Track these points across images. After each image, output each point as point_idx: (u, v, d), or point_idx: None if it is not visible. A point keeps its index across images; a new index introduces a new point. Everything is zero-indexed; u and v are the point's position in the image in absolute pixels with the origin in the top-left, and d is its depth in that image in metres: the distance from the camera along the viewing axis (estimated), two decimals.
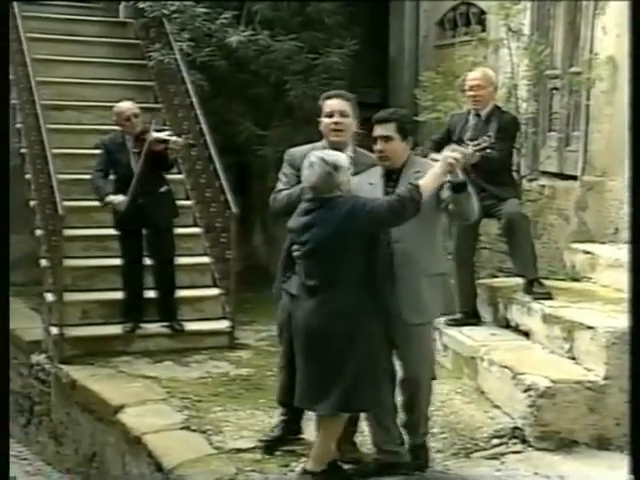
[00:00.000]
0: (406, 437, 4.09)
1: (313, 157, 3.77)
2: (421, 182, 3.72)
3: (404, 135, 3.92)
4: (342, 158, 3.79)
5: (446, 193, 3.80)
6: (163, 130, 6.22)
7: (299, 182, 4.06)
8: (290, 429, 4.45)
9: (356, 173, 3.96)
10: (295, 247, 3.86)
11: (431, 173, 3.75)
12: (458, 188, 3.76)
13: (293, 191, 4.12)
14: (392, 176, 3.94)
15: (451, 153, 3.77)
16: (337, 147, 4.02)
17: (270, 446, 4.39)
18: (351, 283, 3.73)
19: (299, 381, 3.87)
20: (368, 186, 3.93)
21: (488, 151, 5.16)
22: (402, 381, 4.01)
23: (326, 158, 3.75)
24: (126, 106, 6.11)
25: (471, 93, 5.53)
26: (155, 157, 5.97)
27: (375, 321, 3.78)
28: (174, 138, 6.00)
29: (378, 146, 3.92)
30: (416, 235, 3.82)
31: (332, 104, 4.15)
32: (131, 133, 6.07)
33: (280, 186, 4.23)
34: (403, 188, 3.75)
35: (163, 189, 6.16)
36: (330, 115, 4.13)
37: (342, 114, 4.12)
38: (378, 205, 3.71)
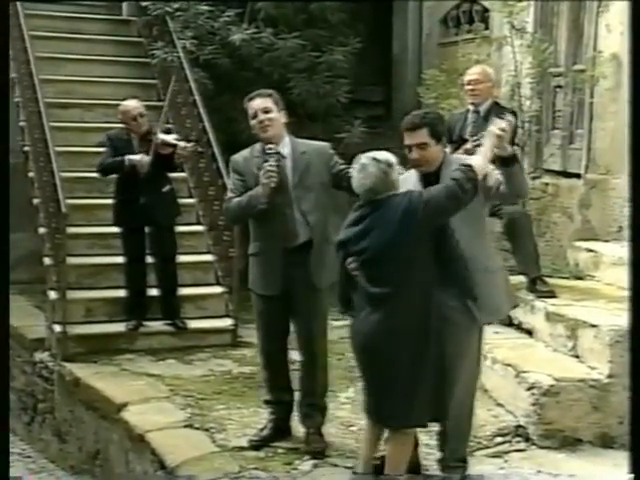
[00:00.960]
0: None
1: (364, 159, 3.64)
2: (473, 161, 3.58)
3: (438, 138, 3.76)
4: (391, 155, 3.67)
5: (495, 177, 3.64)
6: (169, 131, 6.21)
7: (246, 187, 4.20)
8: (279, 428, 4.45)
9: (296, 161, 4.17)
10: (350, 259, 3.66)
11: (480, 150, 3.63)
12: (509, 161, 3.64)
13: (242, 198, 4.21)
14: (430, 179, 3.76)
15: (497, 126, 3.61)
16: (272, 141, 4.18)
17: (259, 446, 4.38)
18: (422, 285, 3.54)
19: (368, 394, 3.74)
20: None
21: None
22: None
23: (379, 157, 3.62)
24: (132, 105, 6.08)
25: (469, 87, 5.65)
26: (162, 159, 5.97)
27: (435, 325, 3.58)
28: (182, 144, 5.97)
29: (414, 154, 3.74)
30: (471, 233, 3.68)
31: (253, 105, 4.30)
32: (137, 132, 6.05)
33: (229, 194, 4.35)
34: (456, 171, 3.57)
35: (166, 188, 6.16)
36: (255, 115, 4.27)
37: (265, 111, 4.24)
38: (435, 193, 3.53)
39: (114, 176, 6.16)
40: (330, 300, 4.25)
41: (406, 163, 3.85)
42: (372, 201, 3.61)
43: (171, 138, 5.98)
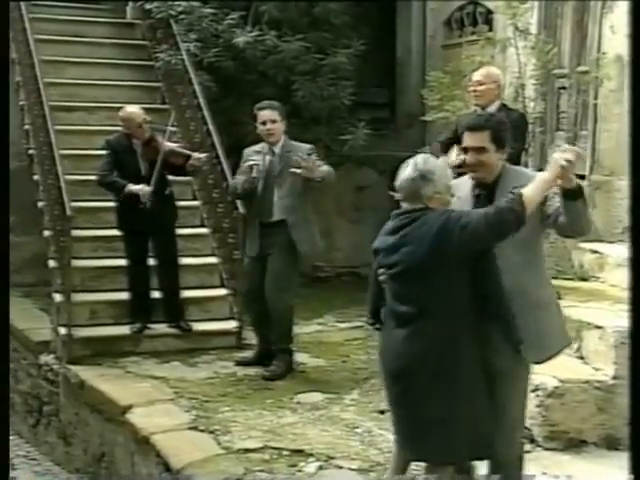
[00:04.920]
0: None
1: (416, 157, 3.39)
2: (525, 190, 3.21)
3: (500, 145, 3.44)
4: (437, 168, 3.38)
5: (555, 204, 3.30)
6: (173, 133, 6.22)
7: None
8: (262, 357, 5.71)
9: (286, 163, 5.43)
10: (381, 270, 3.44)
11: (539, 179, 3.26)
12: (573, 195, 3.23)
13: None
14: (484, 191, 3.47)
15: (563, 154, 3.22)
16: (272, 144, 5.55)
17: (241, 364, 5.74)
18: (449, 310, 3.28)
19: (398, 422, 3.47)
20: (454, 200, 3.46)
21: None
22: None
23: (418, 163, 3.36)
24: (137, 112, 6.08)
25: (471, 89, 5.67)
26: (171, 167, 6.01)
27: (476, 355, 3.33)
28: (196, 155, 6.01)
29: (470, 158, 3.44)
30: (522, 261, 3.38)
31: (263, 114, 5.57)
32: (140, 138, 6.07)
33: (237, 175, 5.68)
34: (503, 199, 3.26)
35: (167, 191, 6.19)
36: (264, 123, 5.55)
37: (272, 121, 5.54)
38: (475, 219, 3.23)
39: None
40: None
41: None
42: (409, 212, 3.37)
43: (180, 149, 6.01)
